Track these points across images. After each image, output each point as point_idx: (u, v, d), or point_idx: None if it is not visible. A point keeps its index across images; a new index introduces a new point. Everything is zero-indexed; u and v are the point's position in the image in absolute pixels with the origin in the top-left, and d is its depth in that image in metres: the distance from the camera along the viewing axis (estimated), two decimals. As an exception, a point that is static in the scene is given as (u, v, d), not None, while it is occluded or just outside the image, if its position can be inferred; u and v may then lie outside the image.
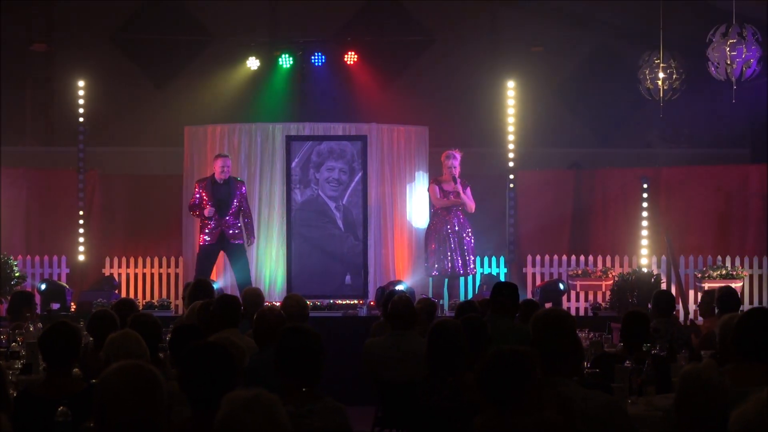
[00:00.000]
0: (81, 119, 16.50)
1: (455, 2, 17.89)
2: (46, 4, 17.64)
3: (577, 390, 5.23)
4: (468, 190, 14.90)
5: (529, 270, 16.25)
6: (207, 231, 14.54)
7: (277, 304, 11.67)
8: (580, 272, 15.60)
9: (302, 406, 5.15)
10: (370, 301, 14.57)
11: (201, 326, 7.77)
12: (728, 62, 13.12)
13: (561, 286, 14.83)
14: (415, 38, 17.91)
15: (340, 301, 14.95)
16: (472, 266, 15.03)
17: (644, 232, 16.31)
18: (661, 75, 14.99)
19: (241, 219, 14.70)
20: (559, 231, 16.93)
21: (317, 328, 5.70)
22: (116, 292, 15.44)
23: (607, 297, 15.05)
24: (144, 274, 16.43)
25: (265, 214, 15.97)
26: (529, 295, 15.08)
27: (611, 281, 15.14)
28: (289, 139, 15.86)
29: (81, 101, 16.52)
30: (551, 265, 16.19)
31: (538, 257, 16.26)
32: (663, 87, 15.02)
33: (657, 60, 14.97)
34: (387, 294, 10.56)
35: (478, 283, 15.90)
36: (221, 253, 14.83)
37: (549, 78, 17.88)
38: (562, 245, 16.72)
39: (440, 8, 17.91)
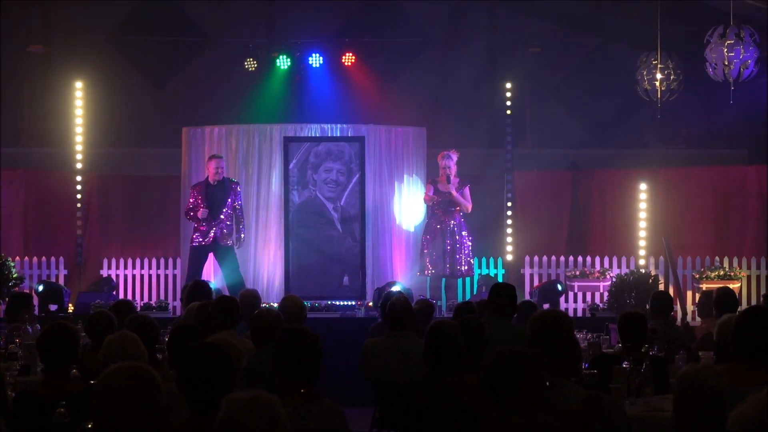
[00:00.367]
0: (79, 120, 16.51)
1: (453, 3, 17.89)
2: (43, 6, 17.63)
3: (576, 391, 5.23)
4: (466, 190, 14.84)
5: (527, 271, 16.25)
6: (199, 232, 14.54)
7: (275, 305, 11.67)
8: (578, 273, 15.60)
9: (300, 407, 5.15)
10: (367, 302, 14.57)
11: (199, 327, 7.77)
12: (726, 63, 13.13)
13: (559, 287, 14.82)
14: (413, 39, 17.91)
15: (337, 302, 14.94)
16: (469, 267, 15.00)
17: (642, 233, 16.32)
18: (658, 76, 15.00)
19: (233, 220, 14.69)
20: (557, 232, 16.95)
21: (315, 329, 5.70)
22: (114, 293, 15.44)
23: (605, 298, 15.05)
24: (142, 276, 16.42)
25: (263, 216, 15.97)
26: (527, 296, 15.09)
27: (609, 282, 15.13)
28: (287, 141, 15.86)
29: (79, 102, 16.53)
30: (549, 266, 16.19)
31: (536, 258, 16.26)
32: (661, 88, 15.03)
33: (655, 61, 14.98)
34: (385, 295, 10.56)
35: (476, 283, 15.91)
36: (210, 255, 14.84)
37: (547, 79, 17.89)
38: (560, 246, 16.73)
39: (438, 9, 17.91)
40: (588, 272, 15.64)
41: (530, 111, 17.21)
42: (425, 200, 15.06)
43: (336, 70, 17.13)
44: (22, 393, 6.10)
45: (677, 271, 15.58)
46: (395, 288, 13.58)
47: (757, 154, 17.06)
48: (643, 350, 7.47)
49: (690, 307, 15.04)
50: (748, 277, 15.81)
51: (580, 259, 16.09)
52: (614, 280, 15.03)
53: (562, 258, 16.20)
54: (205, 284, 10.54)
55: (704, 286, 14.62)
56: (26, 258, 15.99)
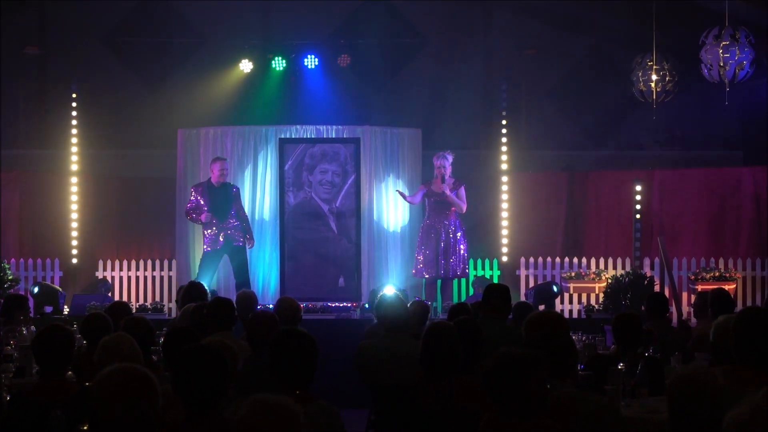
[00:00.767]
0: (74, 122, 16.50)
1: (448, 5, 17.89)
2: (38, 8, 17.61)
3: (571, 392, 5.23)
4: (462, 190, 14.80)
5: (522, 272, 16.25)
6: (209, 237, 14.55)
7: (271, 306, 11.67)
8: (573, 274, 15.61)
9: (296, 409, 5.14)
10: (363, 304, 14.56)
11: (194, 329, 7.75)
12: (721, 64, 13.15)
13: (554, 289, 14.82)
14: (408, 40, 17.91)
15: (333, 304, 14.93)
16: (464, 268, 14.98)
17: (637, 235, 16.33)
18: (654, 77, 15.03)
19: (240, 223, 14.73)
20: (553, 233, 16.95)
21: (310, 330, 5.70)
22: (109, 295, 15.42)
23: (601, 299, 15.05)
24: (137, 277, 16.42)
25: (259, 217, 15.97)
26: (523, 298, 15.08)
27: (604, 283, 15.13)
28: (282, 142, 15.86)
29: (74, 104, 16.52)
30: (544, 268, 16.19)
31: (531, 259, 16.26)
32: (656, 89, 15.05)
33: (650, 62, 15.00)
34: (380, 297, 10.55)
35: (471, 285, 15.91)
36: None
37: (542, 80, 17.90)
38: (556, 247, 16.73)
39: (433, 11, 17.91)
40: (583, 273, 15.65)
41: (525, 112, 17.21)
42: (407, 199, 15.09)
43: (331, 71, 17.12)
44: (17, 395, 6.10)
45: (672, 273, 15.59)
46: (388, 289, 13.56)
47: (752, 156, 17.07)
48: (638, 351, 7.47)
49: (685, 309, 15.05)
50: (744, 279, 15.82)
51: (575, 260, 16.10)
52: (609, 281, 15.03)
53: (557, 259, 16.21)
54: (201, 286, 10.52)
55: (699, 288, 14.63)
56: (21, 260, 15.98)
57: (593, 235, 16.95)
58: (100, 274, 16.26)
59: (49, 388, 5.97)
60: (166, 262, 16.41)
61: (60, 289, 14.83)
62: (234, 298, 9.71)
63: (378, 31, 17.61)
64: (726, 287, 13.27)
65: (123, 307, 9.48)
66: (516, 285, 16.03)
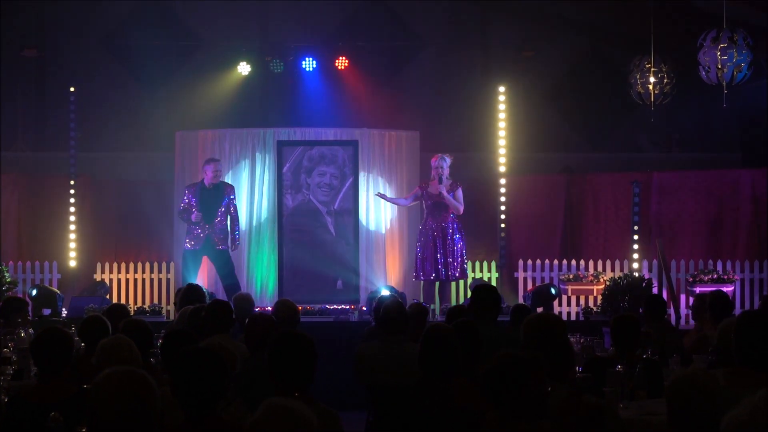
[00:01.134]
0: (72, 124, 16.49)
1: (446, 7, 17.90)
2: (37, 10, 17.61)
3: (569, 394, 5.23)
4: (459, 192, 14.77)
5: (520, 274, 16.23)
6: (193, 235, 14.58)
7: (269, 309, 11.66)
8: (571, 277, 15.60)
9: (294, 411, 5.14)
10: (361, 306, 14.56)
11: (192, 331, 7.75)
12: (719, 66, 13.14)
13: (552, 291, 14.81)
14: (406, 43, 17.93)
15: (331, 306, 14.93)
16: (462, 270, 14.95)
17: (635, 237, 16.32)
18: (652, 79, 15.03)
19: (228, 224, 14.71)
20: (551, 235, 16.95)
21: (309, 333, 5.69)
22: (108, 297, 15.41)
23: (599, 301, 15.04)
24: (135, 280, 16.40)
25: (257, 220, 15.97)
26: (521, 300, 15.08)
27: (603, 285, 15.12)
28: (281, 145, 15.86)
29: (72, 107, 16.51)
30: (543, 270, 16.17)
31: (529, 262, 16.25)
32: (654, 91, 15.05)
33: (648, 64, 15.01)
34: (378, 299, 10.55)
35: (469, 287, 15.89)
36: (204, 258, 14.85)
37: (540, 82, 17.91)
38: (554, 250, 16.73)
39: (431, 13, 17.93)
40: (581, 276, 15.63)
41: (524, 114, 17.20)
42: (391, 200, 15.19)
43: (329, 74, 17.13)
44: (15, 397, 6.09)
45: (671, 275, 15.58)
46: (385, 292, 13.56)
47: (751, 158, 17.08)
48: (636, 354, 7.47)
49: (683, 311, 15.05)
50: (742, 281, 15.81)
51: (573, 262, 16.08)
52: (608, 283, 15.02)
53: (555, 261, 16.19)
54: (199, 288, 10.52)
55: (698, 290, 14.62)
56: (20, 262, 15.97)
57: (591, 237, 16.95)
58: (98, 277, 16.25)
59: (48, 391, 5.97)
60: (164, 265, 16.39)
61: (58, 292, 14.82)
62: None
63: (376, 34, 17.64)
64: (724, 289, 13.27)
65: (121, 309, 9.48)
66: (514, 287, 16.04)
